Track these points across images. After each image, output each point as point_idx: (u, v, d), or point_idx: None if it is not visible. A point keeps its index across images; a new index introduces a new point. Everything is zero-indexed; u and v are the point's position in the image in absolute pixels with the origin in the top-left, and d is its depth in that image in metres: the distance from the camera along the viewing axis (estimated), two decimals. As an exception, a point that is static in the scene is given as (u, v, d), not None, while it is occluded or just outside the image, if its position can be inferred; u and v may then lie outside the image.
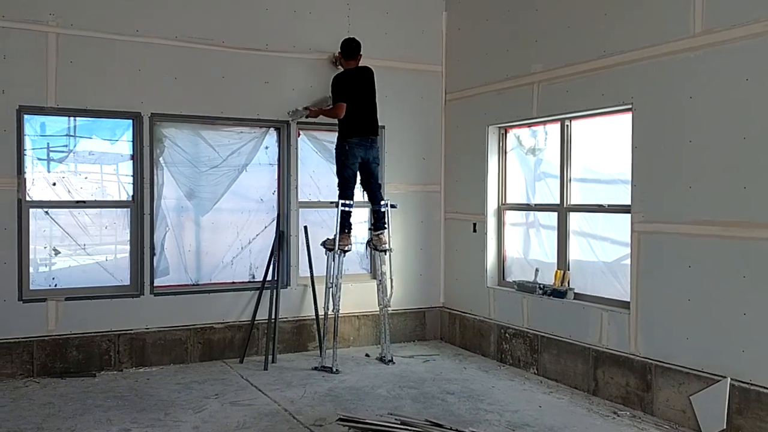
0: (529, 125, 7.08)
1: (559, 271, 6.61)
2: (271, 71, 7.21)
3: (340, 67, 7.21)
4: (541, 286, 6.71)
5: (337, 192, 6.99)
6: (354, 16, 7.61)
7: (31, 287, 6.38)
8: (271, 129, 7.40)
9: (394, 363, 6.97)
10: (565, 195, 6.59)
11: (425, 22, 8.01)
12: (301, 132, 7.49)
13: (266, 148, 7.43)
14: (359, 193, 7.23)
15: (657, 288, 5.46)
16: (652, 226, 5.52)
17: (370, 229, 7.25)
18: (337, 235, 6.82)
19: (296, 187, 7.39)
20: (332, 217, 7.42)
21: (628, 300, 5.76)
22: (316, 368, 6.66)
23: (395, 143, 7.85)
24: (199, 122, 7.05)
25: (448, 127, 8.09)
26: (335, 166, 7.04)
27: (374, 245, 7.14)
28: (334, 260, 6.82)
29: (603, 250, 6.34)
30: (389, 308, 7.21)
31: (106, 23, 6.50)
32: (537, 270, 6.90)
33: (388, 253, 7.14)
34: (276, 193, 7.48)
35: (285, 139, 7.36)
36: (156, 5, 6.70)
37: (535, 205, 7.06)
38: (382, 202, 7.11)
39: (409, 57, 7.91)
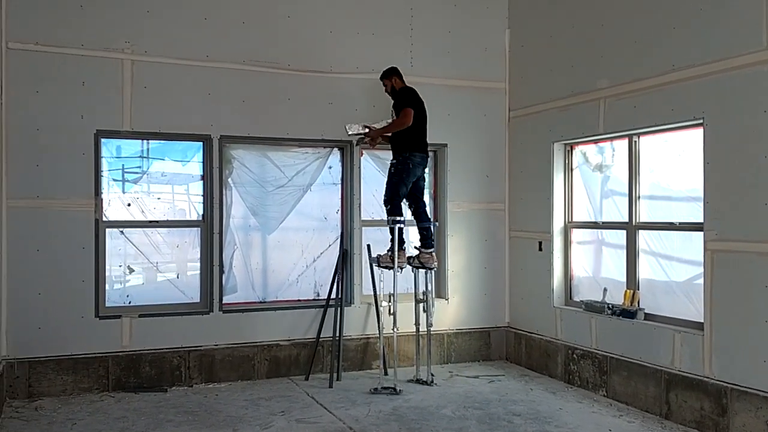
0: (596, 141, 6.96)
1: (628, 290, 6.45)
2: (334, 92, 7.32)
3: (387, 92, 7.07)
4: (610, 306, 6.56)
5: (386, 208, 6.85)
6: (416, 36, 7.67)
7: (106, 304, 6.62)
8: (335, 149, 7.51)
9: (438, 385, 6.87)
10: (634, 213, 6.44)
11: (488, 40, 8.00)
12: (364, 151, 7.56)
13: (330, 167, 7.54)
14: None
15: (732, 308, 5.27)
16: (725, 245, 5.33)
17: (417, 247, 7.04)
18: (395, 252, 6.75)
19: (359, 206, 7.45)
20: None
21: (702, 321, 5.57)
22: (375, 390, 6.57)
23: (458, 161, 7.84)
24: (266, 143, 7.21)
25: (511, 145, 8.03)
26: (390, 181, 6.84)
27: (422, 263, 6.96)
28: (394, 278, 6.75)
29: (674, 269, 6.16)
30: (432, 327, 7.10)
31: (178, 49, 6.75)
32: (605, 289, 6.74)
33: (433, 272, 7.08)
34: (339, 211, 7.57)
35: (348, 158, 7.46)
36: (225, 31, 6.92)
37: (603, 223, 6.92)
38: (430, 220, 7.06)
39: (471, 75, 7.91)
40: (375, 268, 7.23)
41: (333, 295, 7.19)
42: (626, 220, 6.53)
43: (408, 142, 6.74)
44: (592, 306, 6.76)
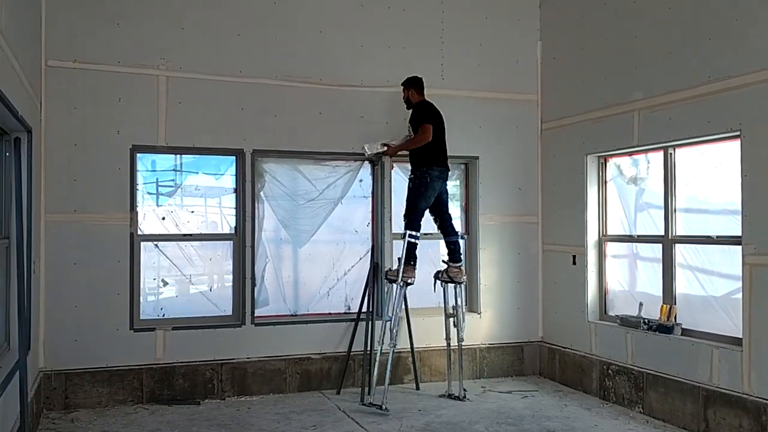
0: (630, 154, 6.87)
1: (664, 305, 6.34)
2: (365, 106, 7.35)
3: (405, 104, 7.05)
4: (646, 320, 6.44)
5: (404, 222, 6.80)
6: (447, 49, 7.67)
7: (141, 317, 6.70)
8: (366, 162, 7.52)
9: (469, 398, 6.80)
10: (670, 226, 6.33)
11: (519, 52, 7.97)
12: (394, 165, 7.56)
13: (360, 180, 7.56)
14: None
15: (773, 325, 5.14)
16: (764, 259, 5.21)
17: (445, 261, 7.00)
18: (402, 267, 6.66)
19: (390, 219, 7.44)
20: (425, 248, 7.41)
21: (740, 336, 5.45)
22: (373, 406, 6.43)
23: (489, 174, 7.80)
24: (298, 157, 7.25)
25: (544, 157, 7.96)
26: (408, 196, 6.82)
27: (450, 277, 6.90)
28: (395, 292, 6.66)
29: (712, 283, 6.03)
30: (464, 342, 7.02)
31: (212, 65, 6.84)
32: (641, 304, 6.63)
33: (463, 286, 7.01)
34: (370, 225, 7.57)
35: (379, 171, 7.46)
36: (258, 47, 7.00)
37: (638, 236, 6.82)
38: (458, 233, 7.00)
39: (503, 87, 7.88)
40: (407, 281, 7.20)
41: (364, 309, 7.18)
42: (662, 233, 6.42)
43: (426, 157, 6.69)
44: (628, 321, 6.65)
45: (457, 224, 7.91)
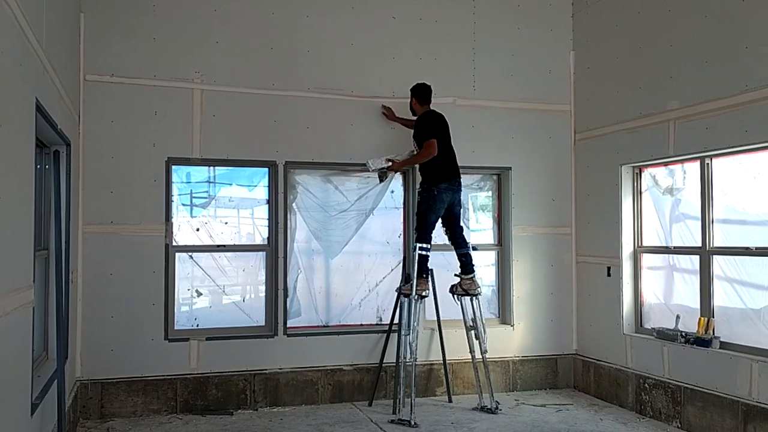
0: (666, 164, 6.78)
1: (702, 318, 6.21)
2: (397, 117, 7.37)
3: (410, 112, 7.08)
4: (683, 333, 6.32)
5: (415, 235, 6.80)
6: (479, 60, 7.66)
7: (175, 327, 6.77)
8: (397, 173, 7.51)
9: (502, 412, 6.73)
10: (708, 237, 6.22)
11: (552, 62, 7.92)
12: (427, 176, 7.55)
13: (392, 192, 7.56)
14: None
15: (816, 339, 5.00)
16: (808, 271, 5.09)
17: (458, 274, 6.95)
18: (414, 280, 6.63)
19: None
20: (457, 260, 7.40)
21: (782, 350, 5.31)
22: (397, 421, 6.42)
23: (522, 184, 7.75)
24: (330, 168, 7.28)
25: (578, 167, 7.89)
26: (418, 210, 6.80)
27: (465, 290, 6.86)
28: (410, 306, 6.61)
29: (751, 295, 5.90)
30: (487, 354, 6.95)
31: (245, 78, 6.92)
32: (678, 317, 6.51)
33: (479, 298, 6.95)
34: (402, 236, 7.56)
35: (410, 182, 7.46)
36: (290, 60, 7.06)
37: (675, 248, 6.71)
38: (469, 245, 6.93)
39: (535, 97, 7.83)
40: (437, 293, 7.18)
41: (396, 320, 7.17)
42: (699, 244, 6.31)
43: (433, 172, 6.66)
44: (665, 333, 6.53)
45: (489, 236, 7.90)
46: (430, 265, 6.92)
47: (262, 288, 7.12)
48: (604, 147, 7.41)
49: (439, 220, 6.84)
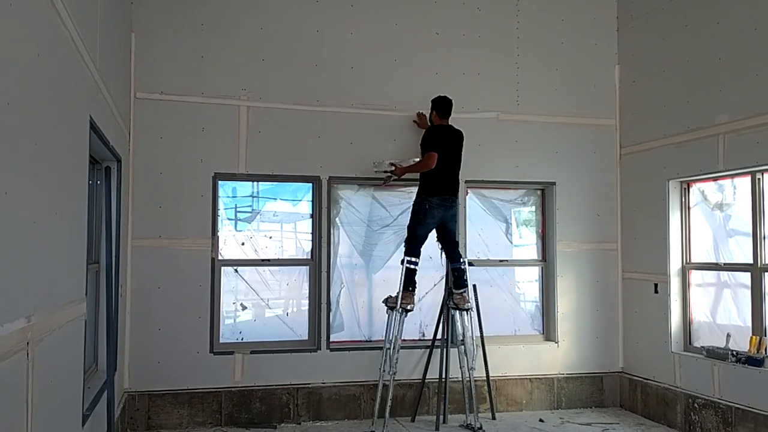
0: (715, 179, 6.64)
1: (754, 336, 6.05)
2: (441, 132, 7.36)
3: (429, 123, 7.05)
4: (734, 352, 6.16)
5: (404, 248, 6.77)
6: (522, 74, 7.63)
7: (220, 340, 6.85)
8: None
9: (483, 430, 6.58)
10: (760, 253, 6.06)
11: (597, 76, 7.85)
12: (469, 190, 7.54)
13: (435, 207, 7.54)
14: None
15: None
16: None
17: (449, 288, 6.88)
18: (400, 293, 6.57)
19: (464, 246, 7.40)
20: (501, 275, 7.40)
21: (841, 372, 5.13)
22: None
23: (566, 199, 7.67)
24: (372, 183, 7.32)
25: (623, 182, 7.78)
26: (410, 222, 6.78)
27: (456, 304, 6.76)
28: (394, 319, 6.55)
29: (807, 314, 5.73)
30: (474, 370, 6.79)
31: (290, 95, 7.02)
32: (728, 335, 6.35)
33: (470, 313, 6.83)
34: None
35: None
36: (334, 76, 7.14)
37: (725, 264, 6.55)
38: (462, 260, 6.82)
39: (580, 112, 7.77)
40: (481, 309, 7.13)
41: (438, 336, 7.13)
42: (750, 261, 6.15)
43: (428, 185, 6.65)
44: (715, 352, 6.37)
45: (533, 251, 7.82)
46: (471, 281, 6.86)
47: (305, 302, 7.17)
48: (650, 161, 7.30)
49: (435, 234, 6.82)
